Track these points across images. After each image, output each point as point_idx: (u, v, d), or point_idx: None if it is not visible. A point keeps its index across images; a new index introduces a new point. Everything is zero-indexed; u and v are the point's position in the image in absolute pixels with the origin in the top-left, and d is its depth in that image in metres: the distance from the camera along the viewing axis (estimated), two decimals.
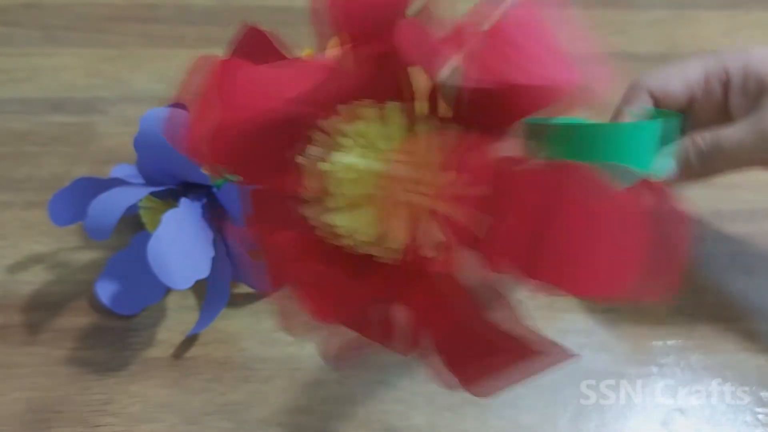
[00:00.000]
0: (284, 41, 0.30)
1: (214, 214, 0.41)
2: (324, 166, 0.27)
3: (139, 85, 0.55)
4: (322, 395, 0.40)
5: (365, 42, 0.26)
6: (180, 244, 0.37)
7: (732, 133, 0.37)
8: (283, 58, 0.30)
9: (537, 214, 0.23)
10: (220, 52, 0.59)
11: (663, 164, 0.37)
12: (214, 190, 0.41)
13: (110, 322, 0.42)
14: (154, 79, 0.55)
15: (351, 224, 0.27)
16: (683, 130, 0.39)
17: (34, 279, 0.44)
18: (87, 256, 0.45)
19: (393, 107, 0.26)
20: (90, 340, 0.41)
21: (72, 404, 0.39)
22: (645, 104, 0.40)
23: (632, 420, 0.40)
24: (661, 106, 0.40)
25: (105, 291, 0.42)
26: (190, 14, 0.61)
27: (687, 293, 0.45)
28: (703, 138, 0.38)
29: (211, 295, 0.42)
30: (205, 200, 0.40)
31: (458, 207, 0.24)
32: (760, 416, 0.40)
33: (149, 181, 0.41)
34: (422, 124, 0.26)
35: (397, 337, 0.28)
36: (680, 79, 0.39)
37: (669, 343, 0.43)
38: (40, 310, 0.42)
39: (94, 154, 0.50)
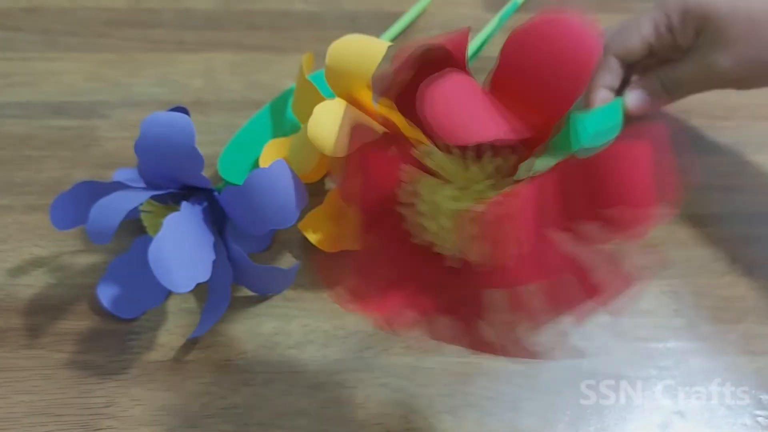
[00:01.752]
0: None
1: (215, 217, 0.41)
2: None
3: (139, 89, 0.55)
4: (322, 398, 0.40)
5: None
6: (181, 247, 0.37)
7: (683, 70, 0.45)
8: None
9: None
10: (220, 55, 0.59)
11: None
12: (215, 193, 0.41)
13: (111, 325, 0.42)
14: (155, 83, 0.56)
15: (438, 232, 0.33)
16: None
17: (34, 282, 0.44)
18: (87, 259, 0.45)
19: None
20: (90, 344, 0.41)
21: (73, 407, 0.39)
22: (613, 70, 0.46)
23: (632, 422, 0.40)
24: (625, 62, 0.47)
25: (106, 294, 0.42)
26: (190, 19, 0.61)
27: (686, 295, 0.45)
28: (665, 75, 0.46)
29: (212, 298, 0.42)
30: (205, 203, 0.40)
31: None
32: (759, 419, 0.40)
33: (150, 184, 0.41)
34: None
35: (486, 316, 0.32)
36: (636, 36, 0.46)
37: (668, 345, 0.43)
38: (40, 314, 0.42)
39: (95, 159, 0.50)
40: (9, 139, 0.51)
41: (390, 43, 0.40)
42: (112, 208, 0.36)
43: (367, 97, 0.40)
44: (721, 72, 0.44)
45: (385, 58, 0.37)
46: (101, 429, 0.38)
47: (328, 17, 0.63)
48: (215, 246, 0.39)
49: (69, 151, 0.50)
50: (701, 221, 0.49)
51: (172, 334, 0.42)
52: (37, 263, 0.44)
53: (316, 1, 0.64)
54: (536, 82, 0.30)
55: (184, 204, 0.39)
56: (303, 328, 0.43)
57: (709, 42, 0.43)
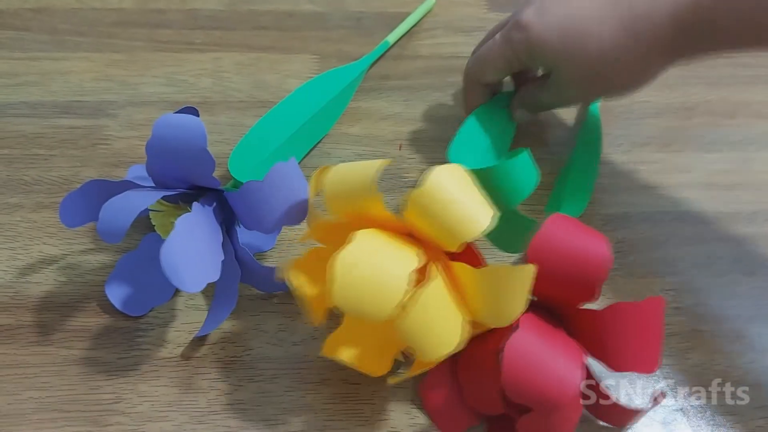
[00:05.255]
0: None
1: (223, 216, 0.41)
2: None
3: (146, 89, 0.55)
4: (327, 394, 0.40)
5: None
6: (192, 248, 0.37)
7: (542, 97, 0.49)
8: None
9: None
10: (227, 55, 0.60)
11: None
12: (225, 194, 0.41)
13: (119, 322, 0.42)
14: (162, 83, 0.56)
15: None
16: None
17: (43, 280, 0.44)
18: (96, 257, 0.45)
19: None
20: (99, 341, 0.42)
21: (81, 404, 0.39)
22: (481, 93, 0.51)
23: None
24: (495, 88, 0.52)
25: (114, 292, 0.42)
26: (197, 19, 0.62)
27: (688, 293, 0.45)
28: (525, 99, 0.51)
29: (219, 297, 0.42)
30: (215, 204, 0.41)
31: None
32: (760, 420, 0.40)
33: (159, 184, 0.41)
34: None
35: None
36: (491, 70, 0.49)
37: (669, 343, 0.43)
38: (49, 311, 0.43)
39: (103, 157, 0.50)
40: (18, 138, 0.51)
41: (384, 162, 0.36)
42: (124, 209, 0.37)
43: (377, 208, 0.36)
44: (575, 99, 0.50)
45: (378, 173, 0.35)
46: (110, 425, 0.39)
47: (334, 18, 0.63)
48: (223, 246, 0.40)
49: (77, 150, 0.51)
50: (703, 219, 0.49)
51: (179, 331, 0.42)
52: (46, 261, 0.45)
53: (322, 2, 0.64)
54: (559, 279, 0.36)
55: (196, 205, 0.39)
56: (308, 324, 0.43)
57: (560, 81, 0.46)
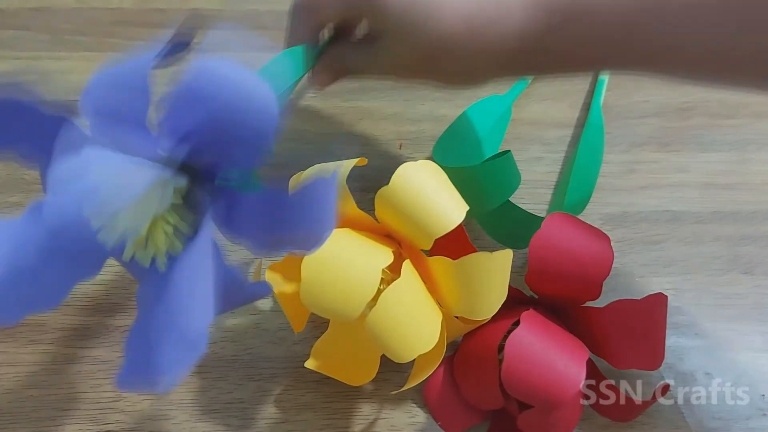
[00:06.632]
0: None
1: (229, 216, 0.31)
2: None
3: None
4: (327, 392, 0.40)
5: None
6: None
7: (364, 60, 0.43)
8: None
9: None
10: (227, 55, 0.59)
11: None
12: (236, 193, 0.30)
13: (119, 321, 0.43)
14: (162, 82, 0.56)
15: None
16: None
17: None
18: None
19: None
20: (99, 339, 0.42)
21: (82, 402, 0.40)
22: (308, 36, 0.43)
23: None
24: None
25: None
26: (198, 18, 0.62)
27: (687, 293, 0.45)
28: (346, 59, 0.44)
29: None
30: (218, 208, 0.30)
31: None
32: (760, 418, 0.41)
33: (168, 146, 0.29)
34: None
35: None
36: (331, 9, 0.42)
37: (669, 343, 0.43)
38: (50, 310, 0.43)
39: None
40: None
41: (353, 162, 0.36)
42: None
43: (349, 207, 0.36)
44: (397, 73, 0.43)
45: None
46: (110, 423, 0.39)
47: None
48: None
49: None
50: (703, 219, 0.49)
51: None
52: None
53: None
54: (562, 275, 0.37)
55: (207, 224, 0.28)
56: (308, 323, 0.43)
57: (387, 48, 0.41)
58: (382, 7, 0.39)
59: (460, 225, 0.35)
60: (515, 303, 0.39)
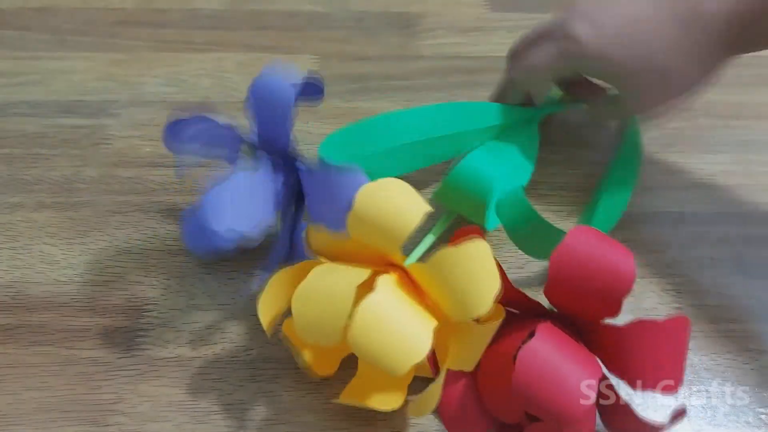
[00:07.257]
0: None
1: (292, 191, 0.42)
2: None
3: (148, 88, 0.56)
4: (327, 394, 0.40)
5: None
6: (239, 196, 0.37)
7: (616, 113, 0.50)
8: None
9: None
10: (228, 55, 0.60)
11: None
12: (299, 168, 0.41)
13: (120, 322, 0.42)
14: (164, 83, 0.56)
15: None
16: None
17: (44, 280, 0.44)
18: (96, 257, 0.45)
19: None
20: (99, 341, 0.42)
21: (81, 404, 0.39)
22: (521, 102, 0.49)
23: None
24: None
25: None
26: (199, 19, 0.62)
27: (688, 294, 0.45)
28: (602, 116, 0.52)
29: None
30: (285, 172, 0.41)
31: None
32: (762, 416, 0.40)
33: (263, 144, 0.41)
34: None
35: None
36: (544, 83, 0.48)
37: None
38: (50, 311, 0.43)
39: (104, 157, 0.51)
40: (19, 137, 0.51)
41: (429, 209, 0.35)
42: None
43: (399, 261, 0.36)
44: (644, 108, 0.46)
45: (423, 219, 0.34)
46: (110, 425, 0.39)
47: (336, 17, 0.63)
48: (284, 218, 0.42)
49: (79, 150, 0.51)
50: (704, 219, 0.49)
51: (179, 331, 0.42)
52: (46, 261, 0.45)
53: (323, 2, 0.64)
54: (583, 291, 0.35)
55: (262, 160, 0.40)
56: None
57: (630, 92, 0.44)
58: (600, 64, 0.43)
59: (475, 227, 0.36)
60: (534, 316, 0.38)
